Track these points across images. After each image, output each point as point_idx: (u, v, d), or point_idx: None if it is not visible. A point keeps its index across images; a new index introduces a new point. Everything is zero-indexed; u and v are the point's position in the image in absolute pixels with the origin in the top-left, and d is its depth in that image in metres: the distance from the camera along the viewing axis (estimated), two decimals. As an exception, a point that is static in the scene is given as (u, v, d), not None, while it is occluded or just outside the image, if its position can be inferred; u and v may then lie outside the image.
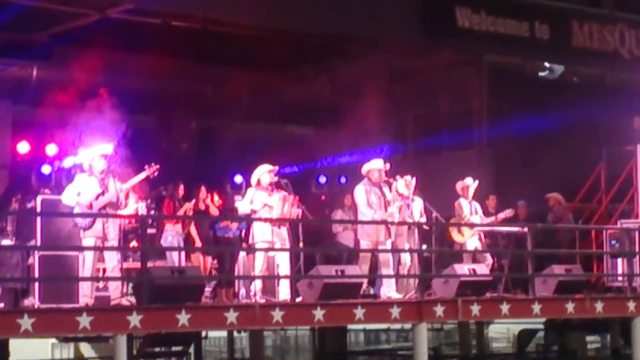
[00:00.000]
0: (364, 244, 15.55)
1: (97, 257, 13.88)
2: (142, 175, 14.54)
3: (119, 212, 14.14)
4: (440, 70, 22.92)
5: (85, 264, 13.70)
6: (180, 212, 16.10)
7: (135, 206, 15.95)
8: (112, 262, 13.90)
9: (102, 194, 13.85)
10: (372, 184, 15.56)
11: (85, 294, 13.63)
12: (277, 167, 15.19)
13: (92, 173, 13.94)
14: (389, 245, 15.49)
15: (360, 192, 15.52)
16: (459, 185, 17.24)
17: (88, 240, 13.70)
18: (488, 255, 17.04)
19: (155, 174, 14.59)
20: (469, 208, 17.13)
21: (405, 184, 15.98)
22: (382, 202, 15.48)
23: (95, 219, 13.64)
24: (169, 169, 16.42)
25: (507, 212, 17.58)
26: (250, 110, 22.12)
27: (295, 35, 20.38)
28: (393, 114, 23.31)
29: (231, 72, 21.37)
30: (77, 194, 13.81)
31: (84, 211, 13.70)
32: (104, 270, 14.44)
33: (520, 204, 19.14)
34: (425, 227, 15.86)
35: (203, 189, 16.38)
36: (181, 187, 16.45)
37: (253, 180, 15.10)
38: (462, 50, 22.51)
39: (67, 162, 18.58)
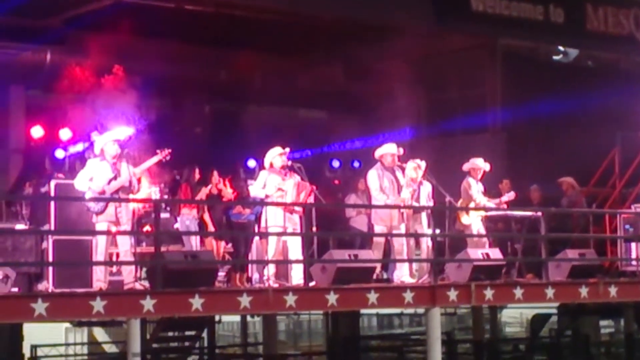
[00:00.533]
0: (378, 228, 15.54)
1: (109, 242, 13.90)
2: (154, 160, 14.55)
3: (132, 196, 14.16)
4: (454, 54, 22.85)
5: (98, 248, 13.73)
6: (198, 197, 16.09)
7: (149, 190, 15.97)
8: (125, 246, 13.94)
9: (115, 178, 13.84)
10: (385, 168, 15.55)
11: (99, 278, 13.66)
12: (288, 150, 15.17)
13: (104, 158, 13.94)
14: (403, 230, 15.47)
15: (373, 176, 15.51)
16: (467, 166, 17.03)
17: (101, 225, 13.72)
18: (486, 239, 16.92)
19: (167, 158, 14.59)
20: (476, 187, 16.96)
21: (414, 167, 15.92)
22: (395, 187, 15.48)
23: (108, 204, 13.65)
24: (183, 152, 16.45)
25: (510, 195, 17.48)
26: (263, 95, 22.11)
27: (308, 19, 20.32)
28: (406, 98, 23.25)
29: (244, 56, 21.34)
30: (90, 179, 13.81)
31: (97, 196, 13.70)
32: (117, 255, 14.47)
33: (534, 188, 19.09)
34: (429, 211, 15.80)
35: (215, 173, 16.38)
36: (197, 171, 16.45)
37: (266, 163, 15.12)
38: (476, 34, 22.43)
39: (80, 147, 18.60)
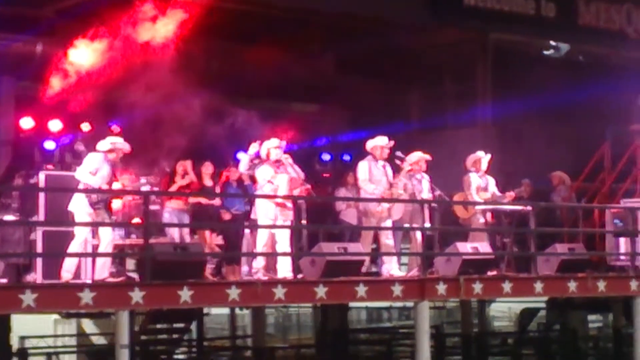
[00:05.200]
0: (366, 222, 15.53)
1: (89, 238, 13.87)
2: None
3: (121, 185, 14.20)
4: (445, 48, 22.85)
5: (75, 241, 13.64)
6: (173, 188, 15.96)
7: (137, 183, 15.95)
8: (107, 239, 13.76)
9: (110, 183, 13.89)
10: (376, 161, 15.55)
11: (68, 269, 13.54)
12: (284, 143, 15.19)
13: (107, 159, 13.92)
14: (389, 224, 15.46)
15: (363, 167, 15.52)
16: (470, 159, 16.92)
17: (85, 218, 13.63)
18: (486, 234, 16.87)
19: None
20: (477, 182, 16.88)
21: (420, 159, 15.94)
22: (385, 180, 15.47)
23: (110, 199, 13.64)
24: (173, 145, 16.44)
25: (519, 190, 17.45)
26: (254, 87, 22.06)
27: (300, 12, 20.30)
28: (398, 92, 23.24)
29: (236, 48, 21.30)
30: (92, 173, 13.75)
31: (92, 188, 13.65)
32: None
33: (525, 183, 19.08)
34: (433, 205, 15.78)
35: (208, 164, 16.38)
36: (180, 163, 16.35)
37: (262, 153, 15.12)
38: (468, 28, 22.43)
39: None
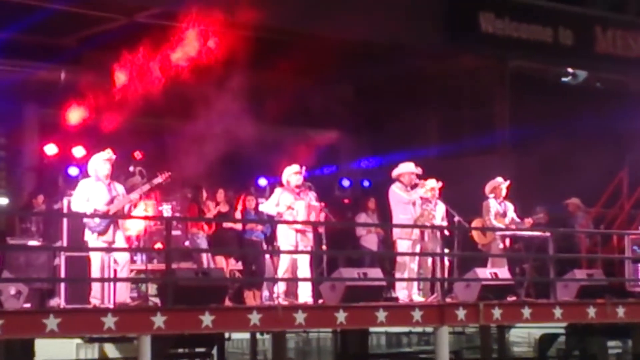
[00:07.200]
0: (404, 244, 15.58)
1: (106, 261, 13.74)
2: (155, 182, 14.25)
3: (145, 213, 14.27)
4: (464, 75, 22.97)
5: (94, 266, 13.62)
6: (209, 215, 16.19)
7: (160, 209, 16.10)
8: (122, 261, 13.72)
9: (112, 201, 13.67)
10: (404, 187, 15.66)
11: (95, 295, 13.59)
12: (304, 169, 15.32)
13: (99, 178, 13.76)
14: (417, 249, 15.57)
15: (398, 190, 15.60)
16: (489, 186, 17.05)
17: (97, 243, 13.58)
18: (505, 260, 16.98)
19: (167, 180, 14.35)
20: (496, 209, 17.01)
21: (430, 187, 16.04)
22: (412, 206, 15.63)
23: (110, 225, 13.50)
24: (194, 171, 16.61)
25: (539, 217, 17.53)
26: (273, 114, 22.23)
27: (319, 39, 20.47)
28: (416, 118, 23.37)
29: (254, 75, 21.47)
30: (87, 200, 13.64)
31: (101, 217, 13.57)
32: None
33: (543, 209, 19.15)
34: (446, 232, 15.89)
35: (220, 191, 16.55)
36: (204, 190, 16.58)
37: (283, 180, 15.27)
38: (486, 55, 22.56)
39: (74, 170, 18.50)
